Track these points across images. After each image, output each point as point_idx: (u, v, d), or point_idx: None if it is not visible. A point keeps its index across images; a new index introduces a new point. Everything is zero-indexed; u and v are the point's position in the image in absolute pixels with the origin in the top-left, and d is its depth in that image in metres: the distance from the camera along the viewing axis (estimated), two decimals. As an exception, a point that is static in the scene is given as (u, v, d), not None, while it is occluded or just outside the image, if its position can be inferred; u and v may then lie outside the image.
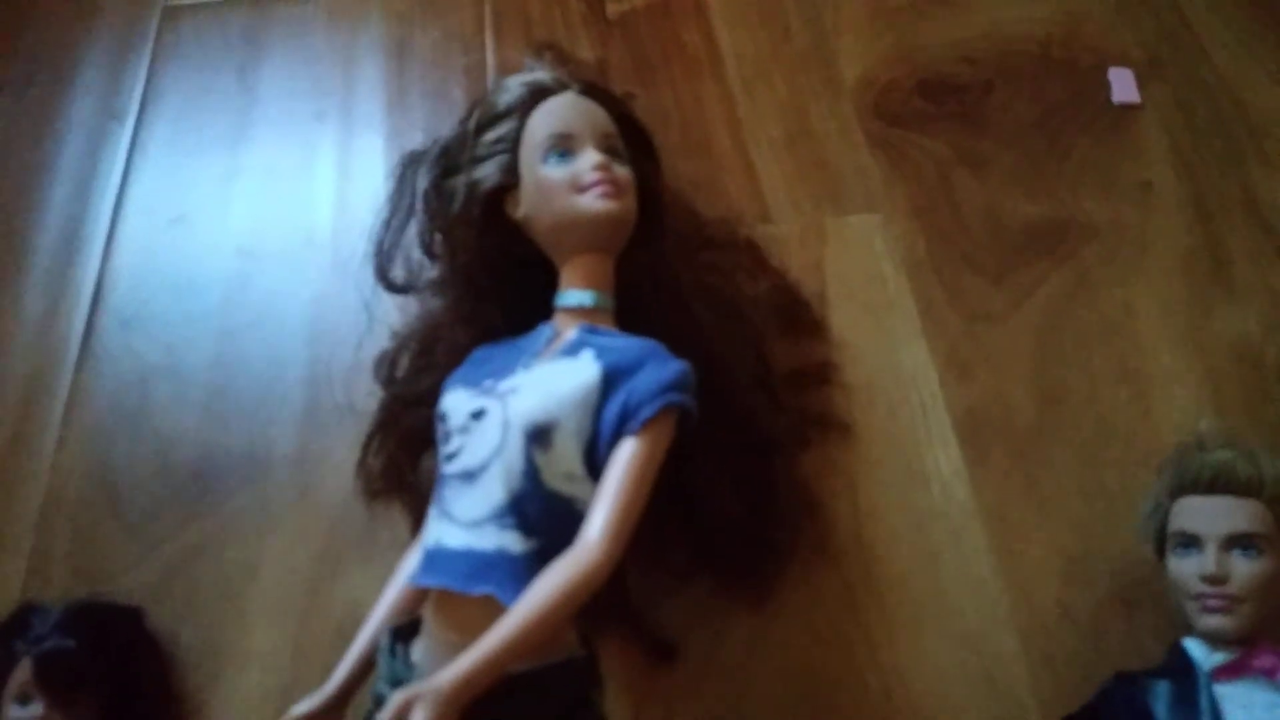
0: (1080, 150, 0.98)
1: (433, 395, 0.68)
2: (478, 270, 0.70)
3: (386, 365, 0.82)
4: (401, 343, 0.82)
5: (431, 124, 1.03)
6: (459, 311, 0.73)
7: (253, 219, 0.98)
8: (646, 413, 0.58)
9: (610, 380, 0.60)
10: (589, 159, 0.66)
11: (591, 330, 0.64)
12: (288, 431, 0.85)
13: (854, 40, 1.07)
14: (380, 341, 0.84)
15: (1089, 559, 0.77)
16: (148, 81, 1.09)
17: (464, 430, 0.61)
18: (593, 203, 0.65)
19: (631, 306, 0.68)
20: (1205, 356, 0.86)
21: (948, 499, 0.80)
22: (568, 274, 0.67)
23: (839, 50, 1.06)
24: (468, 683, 0.50)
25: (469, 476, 0.59)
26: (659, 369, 0.60)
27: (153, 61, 1.10)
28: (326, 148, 1.03)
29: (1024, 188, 0.96)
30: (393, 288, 0.79)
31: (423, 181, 0.73)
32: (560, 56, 0.82)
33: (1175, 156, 0.97)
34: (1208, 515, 0.66)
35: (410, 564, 0.65)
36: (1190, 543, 0.66)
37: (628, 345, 0.63)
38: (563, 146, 0.66)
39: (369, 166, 1.01)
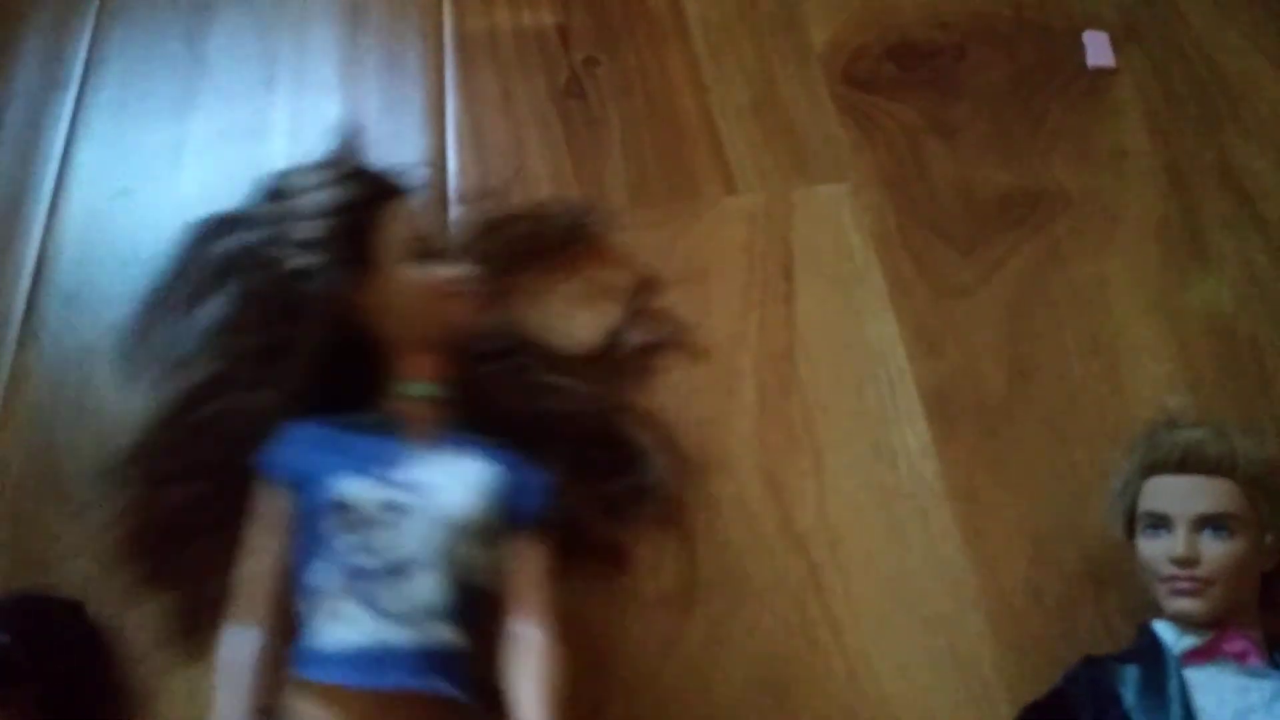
0: (1054, 116, 0.96)
1: (208, 468, 0.67)
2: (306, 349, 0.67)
3: (146, 458, 0.71)
4: (162, 426, 0.71)
5: (386, 91, 1.00)
6: (263, 382, 0.67)
7: (201, 191, 0.95)
8: (541, 512, 0.64)
9: (505, 478, 0.64)
10: (445, 268, 0.68)
11: (452, 424, 0.67)
12: (236, 413, 0.83)
13: (823, 3, 1.04)
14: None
15: (1058, 538, 0.75)
16: (91, 47, 1.05)
17: (377, 523, 0.61)
18: (456, 311, 0.68)
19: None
20: (1178, 328, 0.84)
21: (915, 477, 0.78)
22: (410, 363, 0.67)
23: (808, 14, 1.03)
24: None
25: (397, 570, 0.60)
26: (533, 471, 0.66)
27: (97, 26, 1.06)
28: (278, 116, 0.99)
29: (996, 156, 0.93)
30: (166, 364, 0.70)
31: (229, 248, 0.68)
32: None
33: (1150, 122, 0.95)
34: (1178, 495, 0.64)
35: (242, 658, 0.59)
36: (1160, 523, 0.65)
37: (489, 445, 0.66)
38: (423, 253, 0.68)
39: (321, 135, 0.97)
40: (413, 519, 0.61)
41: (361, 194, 0.68)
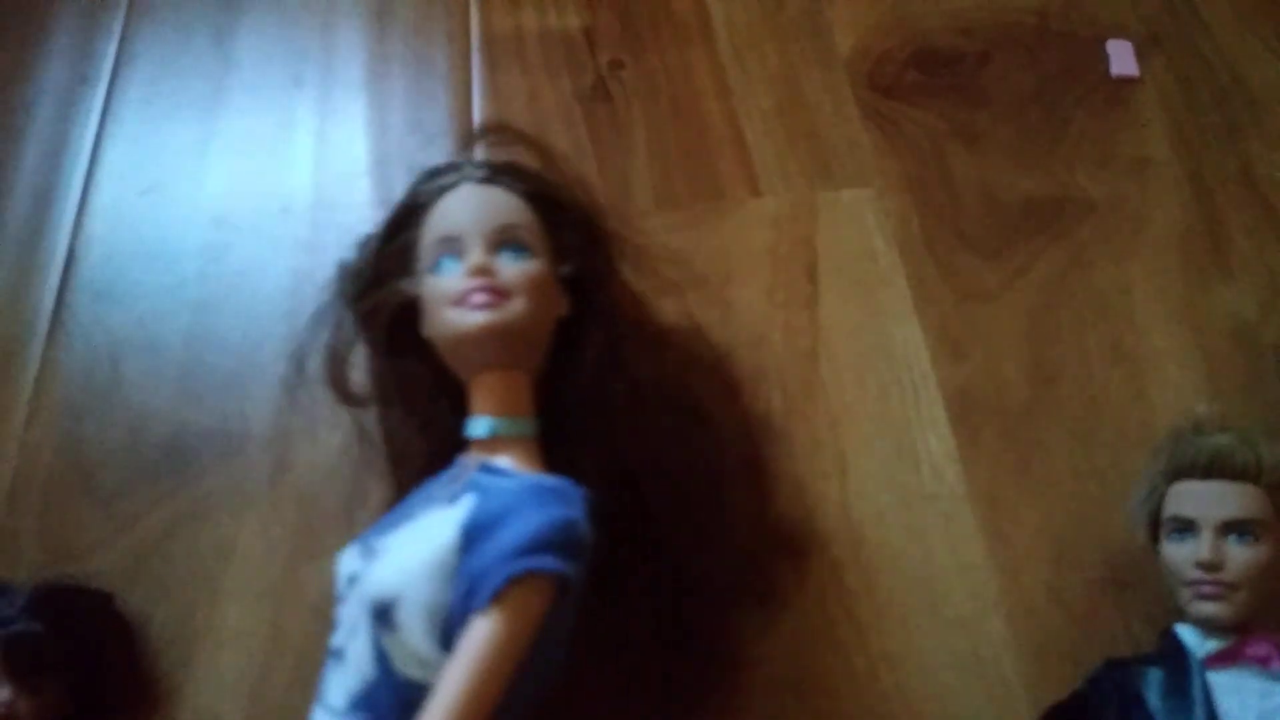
0: (1077, 124, 0.96)
1: None
2: (408, 397, 0.64)
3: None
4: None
5: (412, 91, 1.00)
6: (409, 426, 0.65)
7: (229, 188, 0.96)
8: (494, 581, 0.48)
9: (472, 537, 0.50)
10: (465, 263, 0.57)
11: (490, 470, 0.55)
12: (264, 407, 0.83)
13: (848, 9, 1.04)
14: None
15: (1080, 542, 0.76)
16: (120, 44, 1.05)
17: (341, 598, 0.55)
18: (463, 316, 0.56)
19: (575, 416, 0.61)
20: (1202, 336, 0.84)
21: (938, 481, 0.79)
22: (472, 397, 0.58)
23: (833, 19, 1.04)
24: None
25: (338, 655, 0.53)
26: (524, 521, 0.50)
27: (126, 24, 1.07)
28: (305, 114, 1.00)
29: (1019, 162, 0.94)
30: (350, 400, 0.69)
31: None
32: (503, 135, 0.74)
33: (1174, 131, 0.95)
34: (1204, 500, 0.65)
35: None
36: (1185, 528, 0.65)
37: (512, 489, 0.53)
38: (451, 250, 0.58)
39: (348, 134, 0.98)
40: (354, 596, 0.53)
41: (414, 205, 0.62)
